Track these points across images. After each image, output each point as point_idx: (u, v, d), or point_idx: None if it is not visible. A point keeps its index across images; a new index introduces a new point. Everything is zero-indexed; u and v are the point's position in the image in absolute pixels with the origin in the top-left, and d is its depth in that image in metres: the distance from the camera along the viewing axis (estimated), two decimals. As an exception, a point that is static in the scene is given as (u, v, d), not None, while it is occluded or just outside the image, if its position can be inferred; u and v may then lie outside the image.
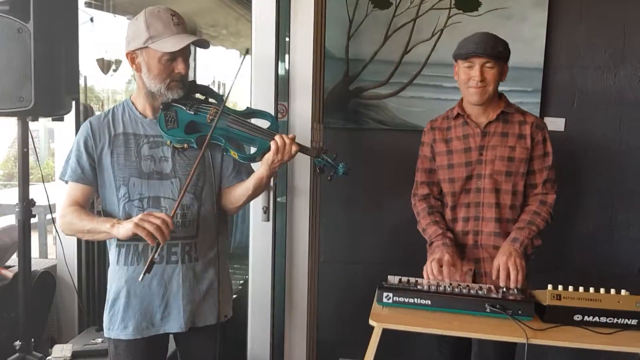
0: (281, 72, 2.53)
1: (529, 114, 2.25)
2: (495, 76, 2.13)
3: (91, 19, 3.12)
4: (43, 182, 2.30)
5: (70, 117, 2.44)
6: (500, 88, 2.27)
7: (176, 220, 1.79)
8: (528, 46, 2.90)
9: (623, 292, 1.80)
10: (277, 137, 1.83)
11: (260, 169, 1.87)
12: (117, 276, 1.86)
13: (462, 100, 2.28)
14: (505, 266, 2.01)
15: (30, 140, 2.19)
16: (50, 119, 2.17)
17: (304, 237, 2.52)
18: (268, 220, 2.45)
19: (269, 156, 1.82)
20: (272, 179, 2.41)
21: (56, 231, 2.55)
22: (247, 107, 2.06)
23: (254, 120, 1.96)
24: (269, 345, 2.52)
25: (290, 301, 2.55)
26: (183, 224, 1.84)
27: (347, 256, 3.17)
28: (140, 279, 1.70)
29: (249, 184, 1.89)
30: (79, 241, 2.69)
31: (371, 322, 1.79)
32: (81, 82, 3.14)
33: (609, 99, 2.91)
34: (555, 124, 2.94)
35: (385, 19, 3.01)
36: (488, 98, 2.16)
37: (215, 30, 5.60)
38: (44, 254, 3.30)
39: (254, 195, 1.92)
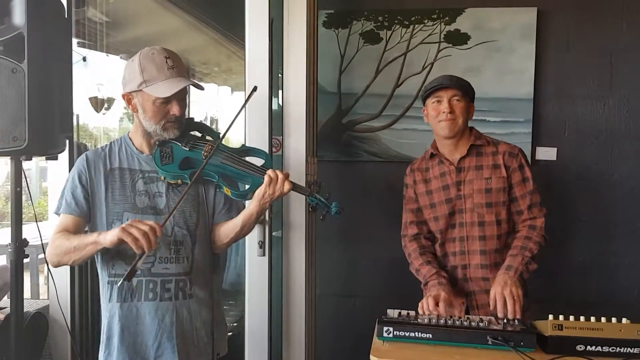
0: (275, 107, 2.55)
1: (502, 143, 2.28)
2: (463, 110, 2.19)
3: (84, 59, 3.14)
4: (36, 221, 2.27)
5: (64, 156, 2.44)
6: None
7: (169, 260, 1.79)
8: (518, 77, 2.95)
9: (624, 320, 1.78)
10: (269, 171, 1.83)
11: (250, 204, 1.87)
12: (109, 313, 1.84)
13: (434, 141, 2.33)
14: (502, 296, 2.00)
15: (23, 179, 2.17)
16: (44, 158, 2.16)
17: (300, 271, 2.50)
18: (264, 255, 2.43)
19: (260, 190, 1.82)
20: (267, 214, 2.41)
21: (48, 270, 2.51)
22: (242, 145, 2.08)
23: (248, 158, 1.98)
24: (267, 384, 2.48)
25: (287, 336, 2.52)
26: (177, 260, 1.83)
27: (343, 289, 3.15)
28: (118, 284, 1.74)
29: (237, 221, 1.89)
30: (71, 280, 2.64)
31: (372, 359, 1.75)
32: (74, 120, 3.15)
33: (599, 128, 2.95)
34: (548, 153, 2.98)
35: (376, 53, 3.06)
36: (459, 131, 2.21)
37: (208, 67, 5.67)
38: (35, 294, 3.25)
39: (241, 232, 1.91)
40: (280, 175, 1.83)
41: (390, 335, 1.84)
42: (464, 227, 2.23)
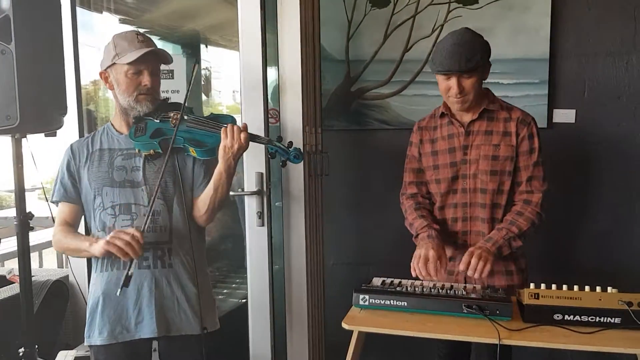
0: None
1: (515, 109, 2.16)
2: (474, 84, 2.04)
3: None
4: (46, 197, 2.39)
5: (72, 127, 2.58)
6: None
7: (147, 229, 1.85)
8: (532, 36, 2.81)
9: (610, 289, 1.71)
10: (228, 126, 1.86)
11: (218, 164, 1.89)
12: (95, 283, 1.93)
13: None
14: (470, 253, 1.97)
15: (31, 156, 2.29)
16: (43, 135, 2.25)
17: (300, 240, 2.52)
18: (263, 225, 2.46)
19: (220, 146, 1.85)
20: (264, 185, 2.43)
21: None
22: (211, 113, 2.11)
23: None
24: (270, 352, 2.52)
25: (290, 306, 2.56)
26: (154, 230, 1.88)
27: (357, 258, 3.14)
28: (117, 293, 1.80)
29: (210, 185, 1.92)
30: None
31: (344, 325, 1.77)
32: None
33: (622, 88, 2.78)
34: (566, 115, 2.83)
35: (384, 17, 2.98)
36: (470, 105, 2.10)
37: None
38: (61, 264, 3.49)
39: (217, 196, 1.91)
40: (234, 127, 1.85)
41: (366, 303, 1.86)
42: (467, 193, 2.16)
